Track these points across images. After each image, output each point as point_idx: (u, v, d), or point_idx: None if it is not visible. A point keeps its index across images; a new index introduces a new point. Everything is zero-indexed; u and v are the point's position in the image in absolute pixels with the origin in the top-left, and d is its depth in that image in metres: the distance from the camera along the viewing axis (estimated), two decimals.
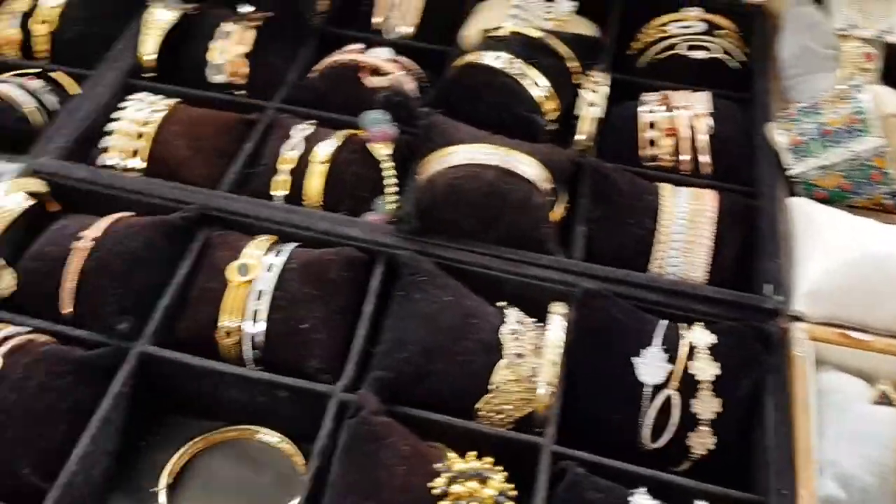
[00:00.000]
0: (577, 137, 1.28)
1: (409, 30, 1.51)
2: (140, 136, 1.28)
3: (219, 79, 1.43)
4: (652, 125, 1.30)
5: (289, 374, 1.05)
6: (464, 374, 1.03)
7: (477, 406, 1.03)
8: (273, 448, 1.08)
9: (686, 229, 1.17)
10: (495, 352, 1.03)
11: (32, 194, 1.20)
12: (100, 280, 1.09)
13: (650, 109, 1.32)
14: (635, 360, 1.03)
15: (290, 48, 1.47)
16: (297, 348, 1.07)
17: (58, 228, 1.18)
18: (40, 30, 1.48)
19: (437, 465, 0.93)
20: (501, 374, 1.03)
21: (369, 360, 1.07)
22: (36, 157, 1.27)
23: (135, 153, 1.28)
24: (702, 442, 1.02)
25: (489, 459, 0.93)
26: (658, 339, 1.05)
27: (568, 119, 1.33)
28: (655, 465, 1.00)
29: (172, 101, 1.35)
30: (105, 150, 1.28)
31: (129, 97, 1.36)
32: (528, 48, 1.31)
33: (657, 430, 1.02)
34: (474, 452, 0.94)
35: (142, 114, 1.31)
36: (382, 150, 1.23)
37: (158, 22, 1.42)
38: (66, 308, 1.10)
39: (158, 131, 1.29)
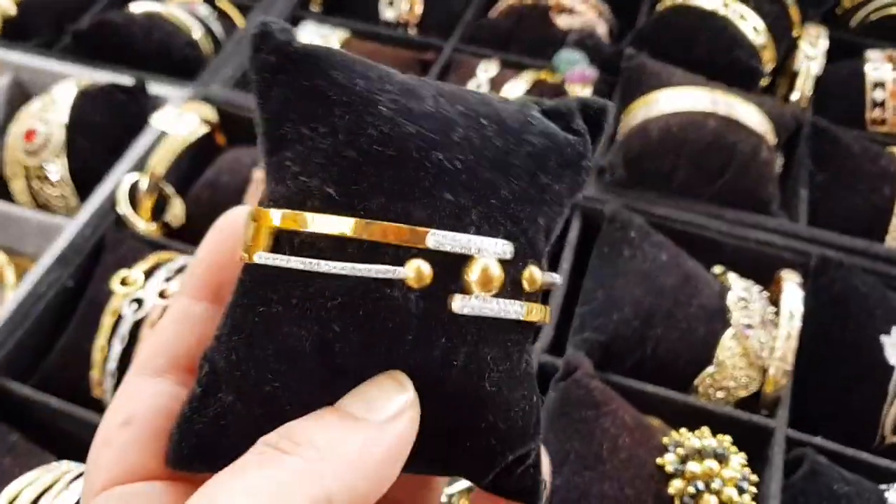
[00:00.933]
0: (793, 95, 1.15)
1: None
2: None
3: (390, 15, 1.34)
4: (878, 85, 1.16)
5: None
6: (684, 344, 0.91)
7: (696, 382, 0.92)
8: None
9: None
10: (719, 321, 0.92)
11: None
12: None
13: (875, 67, 1.18)
14: (884, 339, 0.91)
15: None
16: None
17: (231, 158, 1.10)
18: None
19: (666, 440, 0.82)
20: (727, 347, 0.91)
21: (568, 321, 0.97)
22: (203, 85, 1.20)
23: None
24: None
25: (726, 437, 0.82)
26: None
27: (777, 73, 1.21)
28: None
29: (344, 35, 1.27)
30: None
31: (298, 29, 1.28)
32: None
33: None
34: (706, 428, 0.84)
35: None
36: (580, 93, 1.12)
37: None
38: None
39: None
